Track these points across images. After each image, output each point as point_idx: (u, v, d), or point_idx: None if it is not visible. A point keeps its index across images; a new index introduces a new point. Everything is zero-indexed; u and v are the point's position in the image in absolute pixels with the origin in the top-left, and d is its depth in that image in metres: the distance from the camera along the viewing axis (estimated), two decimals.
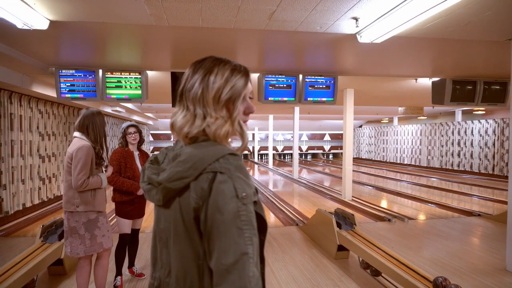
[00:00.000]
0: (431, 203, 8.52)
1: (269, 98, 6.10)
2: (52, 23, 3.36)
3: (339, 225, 4.53)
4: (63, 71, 5.56)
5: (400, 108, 12.49)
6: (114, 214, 3.79)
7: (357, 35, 3.79)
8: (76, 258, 3.08)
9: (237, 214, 0.88)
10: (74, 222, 2.96)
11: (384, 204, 8.52)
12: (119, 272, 3.73)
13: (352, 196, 8.95)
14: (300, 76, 6.11)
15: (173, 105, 5.87)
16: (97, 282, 3.23)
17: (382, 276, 3.69)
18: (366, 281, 3.84)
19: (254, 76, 6.03)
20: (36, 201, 7.22)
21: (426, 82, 7.48)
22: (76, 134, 3.04)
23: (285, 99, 6.19)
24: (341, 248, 4.45)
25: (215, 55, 1.09)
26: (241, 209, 0.88)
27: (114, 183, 3.59)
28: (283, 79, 6.10)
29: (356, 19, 3.36)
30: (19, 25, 3.24)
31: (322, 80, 6.26)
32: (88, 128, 2.99)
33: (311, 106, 13.11)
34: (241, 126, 1.02)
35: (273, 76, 6.04)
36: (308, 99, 6.25)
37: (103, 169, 3.25)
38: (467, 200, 8.92)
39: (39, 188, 7.38)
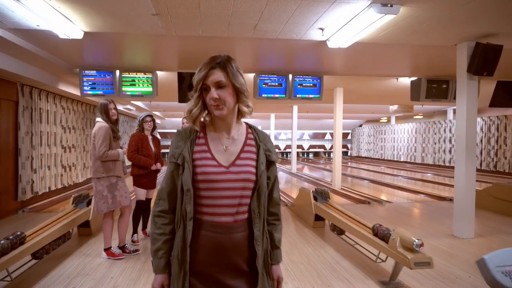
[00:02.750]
0: (413, 191, 9.37)
1: (263, 95, 7.00)
2: (85, 33, 4.33)
3: (316, 199, 5.43)
4: (86, 71, 6.52)
5: (391, 107, 13.33)
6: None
7: (326, 41, 4.70)
8: (100, 221, 4.02)
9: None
10: (100, 186, 3.92)
11: (369, 191, 9.38)
12: (135, 231, 4.68)
13: (342, 186, 9.82)
14: (290, 76, 7.01)
15: (180, 101, 6.82)
16: (120, 233, 4.19)
17: (345, 235, 4.58)
18: (336, 240, 4.74)
19: (250, 76, 6.94)
20: (59, 186, 8.22)
21: (408, 81, 8.33)
22: (98, 118, 4.00)
23: (276, 96, 7.10)
24: (318, 218, 5.36)
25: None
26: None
27: (133, 159, 4.55)
28: (275, 78, 7.01)
29: (322, 29, 4.28)
30: (61, 36, 4.21)
31: (310, 79, 7.16)
32: (102, 113, 3.94)
33: (311, 105, 14.01)
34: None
35: (266, 75, 6.95)
36: (297, 96, 7.15)
37: (121, 145, 4.19)
38: (451, 190, 9.74)
39: (61, 175, 8.38)
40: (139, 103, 12.79)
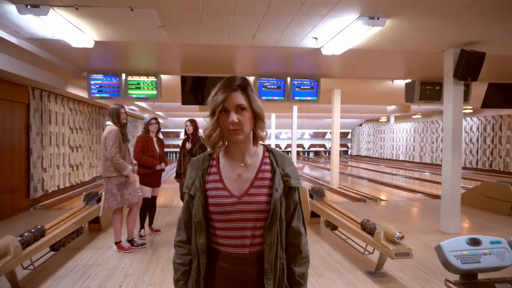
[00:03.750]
0: (409, 190, 9.68)
1: (262, 97, 7.32)
2: (95, 42, 4.65)
3: (312, 197, 5.75)
4: (93, 75, 6.85)
5: (388, 107, 13.62)
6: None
7: (321, 48, 5.02)
8: (109, 217, 4.34)
9: None
10: (110, 184, 4.25)
11: (365, 190, 9.69)
12: (142, 226, 5.02)
13: (340, 185, 10.13)
14: (288, 79, 7.33)
15: (183, 103, 7.14)
16: (128, 227, 4.53)
17: (338, 230, 4.90)
18: (329, 235, 5.07)
19: (249, 79, 7.25)
20: (67, 184, 8.57)
21: (402, 83, 8.62)
22: (108, 122, 4.33)
23: (275, 98, 7.42)
24: (313, 215, 5.68)
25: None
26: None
27: (139, 159, 4.88)
28: (274, 81, 7.33)
29: (316, 38, 4.59)
30: (73, 45, 4.54)
31: (307, 82, 7.47)
32: (114, 117, 4.27)
33: (311, 106, 14.32)
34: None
35: (266, 78, 7.27)
36: (295, 98, 7.47)
37: (130, 155, 4.48)
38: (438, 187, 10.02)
39: (69, 174, 8.72)
40: (142, 104, 13.12)
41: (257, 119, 1.29)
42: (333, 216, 4.72)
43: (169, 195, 8.43)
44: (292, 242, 1.34)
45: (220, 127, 1.26)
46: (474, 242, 2.01)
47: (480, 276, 2.02)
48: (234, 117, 1.22)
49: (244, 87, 1.26)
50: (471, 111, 15.01)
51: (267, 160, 1.34)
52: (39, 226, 3.59)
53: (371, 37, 4.51)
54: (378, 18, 3.84)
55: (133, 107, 12.90)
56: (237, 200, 1.27)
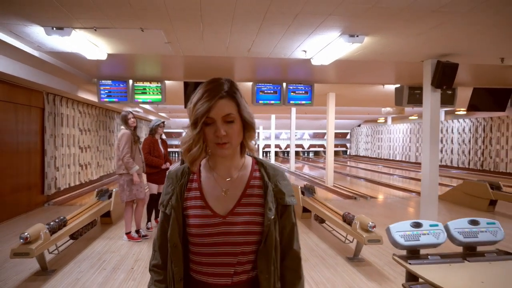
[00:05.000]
0: (400, 188, 10.20)
1: (260, 102, 7.86)
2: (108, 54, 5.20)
3: (303, 193, 6.29)
4: (103, 81, 7.40)
5: (383, 109, 14.14)
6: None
7: (310, 59, 5.55)
8: (119, 212, 4.86)
9: None
10: (122, 180, 4.81)
11: (359, 189, 10.22)
12: (149, 219, 5.58)
13: (334, 183, 10.66)
14: (284, 84, 7.87)
15: (186, 107, 7.69)
16: (136, 219, 5.08)
17: (326, 224, 5.44)
18: (318, 228, 5.61)
19: (248, 84, 7.79)
20: (77, 183, 9.13)
21: (393, 88, 9.14)
22: (122, 126, 4.88)
23: (272, 102, 7.96)
24: (305, 210, 6.21)
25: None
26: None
27: (147, 160, 5.42)
28: (270, 86, 7.87)
29: (305, 51, 5.13)
30: (88, 57, 5.09)
31: (302, 87, 8.01)
32: (124, 123, 4.83)
33: (308, 108, 14.82)
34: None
35: (263, 84, 7.80)
36: (291, 102, 8.01)
37: (141, 155, 5.04)
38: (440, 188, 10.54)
39: (79, 173, 9.29)
40: (147, 106, 13.67)
41: (247, 129, 1.12)
42: (321, 210, 5.26)
43: None
44: (291, 267, 1.19)
45: (202, 141, 1.09)
46: (416, 225, 2.54)
47: (422, 252, 2.56)
48: (221, 130, 1.05)
49: (232, 93, 1.08)
50: (464, 112, 15.52)
51: (257, 174, 1.18)
52: (62, 217, 4.14)
53: (354, 50, 5.04)
54: (357, 36, 4.37)
55: (137, 109, 13.46)
56: (221, 220, 1.10)
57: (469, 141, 14.80)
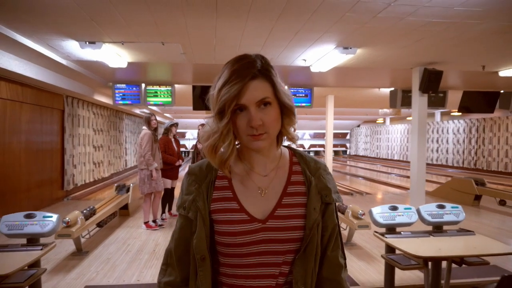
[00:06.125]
0: (395, 186, 10.79)
1: None
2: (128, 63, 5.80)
3: None
4: (117, 85, 8.00)
5: (380, 110, 14.72)
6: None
7: (310, 67, 6.14)
8: (135, 205, 5.46)
9: None
10: (142, 174, 5.41)
11: (355, 186, 10.81)
12: (163, 211, 6.18)
13: None
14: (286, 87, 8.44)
15: (194, 109, 8.28)
16: (153, 210, 5.68)
17: None
18: None
19: None
20: (91, 179, 9.74)
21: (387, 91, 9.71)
22: (143, 127, 5.48)
23: None
24: None
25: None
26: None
27: (162, 158, 6.02)
28: None
29: (304, 60, 5.73)
30: (110, 65, 5.68)
31: (302, 90, 8.60)
32: (146, 123, 5.43)
33: (307, 109, 15.43)
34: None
35: None
36: None
37: (159, 153, 5.65)
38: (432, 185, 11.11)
39: (93, 170, 9.90)
40: (153, 107, 14.28)
41: (286, 114, 0.94)
42: None
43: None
44: (331, 277, 1.00)
45: (233, 134, 0.91)
46: (393, 208, 3.14)
47: (398, 230, 3.15)
48: (257, 118, 0.88)
49: (266, 72, 0.92)
50: (460, 114, 16.10)
51: (297, 168, 1.01)
52: (91, 207, 4.74)
53: (349, 60, 5.63)
54: (350, 48, 4.96)
55: (145, 110, 14.07)
56: (260, 225, 0.93)
57: (464, 141, 15.37)
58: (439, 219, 3.09)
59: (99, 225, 5.08)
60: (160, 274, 1.04)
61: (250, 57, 0.93)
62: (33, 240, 2.78)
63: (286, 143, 1.05)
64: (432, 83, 6.03)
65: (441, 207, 3.16)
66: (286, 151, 1.04)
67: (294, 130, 0.99)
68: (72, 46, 4.77)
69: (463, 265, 2.74)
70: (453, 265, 2.85)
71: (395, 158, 20.96)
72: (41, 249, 2.56)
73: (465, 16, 3.69)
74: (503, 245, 2.83)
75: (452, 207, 3.17)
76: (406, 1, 3.27)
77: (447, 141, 16.47)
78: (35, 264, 2.62)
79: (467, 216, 6.80)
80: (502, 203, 7.16)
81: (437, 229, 3.13)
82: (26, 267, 2.47)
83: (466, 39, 4.54)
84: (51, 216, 2.81)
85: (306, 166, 1.01)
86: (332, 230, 1.01)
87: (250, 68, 0.90)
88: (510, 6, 3.39)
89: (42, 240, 2.86)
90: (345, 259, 1.05)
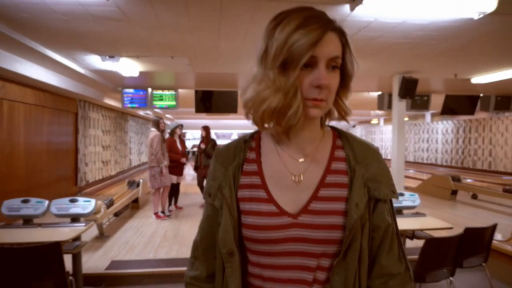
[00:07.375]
0: None
1: None
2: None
3: None
4: (126, 90, 8.74)
5: (372, 112, 15.48)
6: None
7: None
8: (145, 199, 6.21)
9: None
10: (153, 171, 6.16)
11: None
12: (170, 204, 6.93)
13: None
14: None
15: (196, 112, 9.02)
16: (162, 202, 6.43)
17: None
18: None
19: None
20: (100, 177, 10.48)
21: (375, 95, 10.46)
22: (152, 129, 6.23)
23: None
24: None
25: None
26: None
27: (168, 156, 6.77)
28: None
29: None
30: (124, 74, 6.42)
31: None
32: (155, 126, 6.17)
33: None
34: None
35: None
36: None
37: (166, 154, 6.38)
38: (415, 182, 11.89)
39: (101, 169, 10.63)
40: (158, 109, 15.00)
41: (345, 86, 0.82)
42: None
43: (184, 183, 10.34)
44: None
45: (300, 95, 0.73)
46: None
47: None
48: (325, 77, 0.72)
49: (343, 30, 0.78)
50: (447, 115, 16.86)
51: (341, 154, 0.83)
52: (110, 198, 5.48)
53: None
54: None
55: (148, 112, 14.79)
56: (291, 220, 0.77)
57: (452, 141, 16.15)
58: (398, 204, 3.83)
59: (116, 214, 5.82)
60: (188, 267, 0.93)
61: (313, 9, 0.75)
62: (75, 220, 3.52)
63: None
64: (408, 90, 6.79)
65: (401, 195, 3.90)
66: (329, 131, 0.87)
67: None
68: (94, 59, 5.51)
69: (414, 239, 3.49)
70: (407, 240, 3.61)
71: (388, 157, 21.72)
72: (84, 225, 3.30)
73: (425, 38, 4.45)
74: (445, 223, 3.58)
75: (410, 195, 3.90)
76: (373, 28, 4.01)
77: (436, 141, 17.25)
78: (77, 238, 3.36)
79: (444, 208, 7.64)
80: (474, 196, 7.93)
81: (398, 212, 3.87)
82: (71, 240, 3.21)
83: (432, 54, 5.30)
84: (90, 201, 3.54)
85: (351, 151, 0.82)
86: (385, 232, 0.81)
87: (327, 21, 0.74)
88: (459, 31, 4.13)
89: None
90: (409, 269, 0.83)
